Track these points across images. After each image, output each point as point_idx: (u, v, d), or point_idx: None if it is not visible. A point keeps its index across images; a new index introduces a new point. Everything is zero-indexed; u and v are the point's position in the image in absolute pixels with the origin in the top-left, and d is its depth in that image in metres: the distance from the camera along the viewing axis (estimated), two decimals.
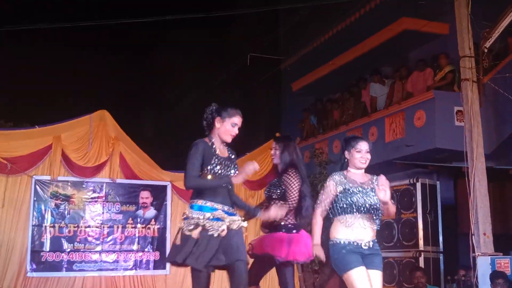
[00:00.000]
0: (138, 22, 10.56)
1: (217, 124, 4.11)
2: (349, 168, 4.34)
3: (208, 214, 3.97)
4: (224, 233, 3.96)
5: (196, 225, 3.95)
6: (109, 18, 10.72)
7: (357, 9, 11.32)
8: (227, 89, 16.09)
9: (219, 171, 4.03)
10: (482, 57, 7.69)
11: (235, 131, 4.13)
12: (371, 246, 4.14)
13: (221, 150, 4.14)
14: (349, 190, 4.19)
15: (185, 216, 4.06)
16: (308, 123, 13.49)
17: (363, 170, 4.34)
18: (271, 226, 4.77)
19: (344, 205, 4.18)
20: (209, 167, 4.02)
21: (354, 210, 4.15)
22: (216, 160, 4.04)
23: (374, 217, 4.19)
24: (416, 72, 10.24)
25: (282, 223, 4.71)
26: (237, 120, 4.13)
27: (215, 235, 3.94)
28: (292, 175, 4.73)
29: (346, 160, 4.34)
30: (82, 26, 10.67)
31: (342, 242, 4.15)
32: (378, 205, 4.16)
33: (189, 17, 10.66)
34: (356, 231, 4.15)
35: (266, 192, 4.96)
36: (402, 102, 10.03)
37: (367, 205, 4.14)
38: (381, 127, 10.39)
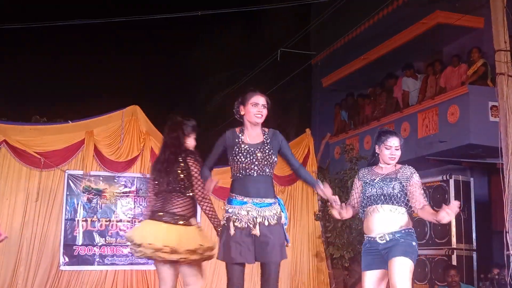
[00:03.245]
0: (172, 19, 10.63)
1: (242, 112, 4.07)
2: (379, 163, 4.30)
3: (237, 208, 3.93)
4: (254, 231, 3.86)
5: (228, 220, 3.94)
6: (143, 14, 10.80)
7: (390, 2, 11.18)
8: (258, 85, 16.07)
9: (241, 159, 3.93)
10: None
11: (259, 110, 4.00)
12: (388, 239, 4.02)
13: (252, 137, 4.01)
14: (368, 183, 4.20)
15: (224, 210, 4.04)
16: (339, 118, 13.39)
17: (394, 163, 4.27)
18: None
19: (364, 199, 4.19)
20: (231, 157, 4.00)
21: (371, 202, 4.12)
22: (237, 149, 3.97)
23: (395, 207, 4.06)
24: (450, 67, 10.06)
25: None
26: (256, 99, 4.03)
27: (244, 231, 3.88)
28: None
29: (377, 154, 4.31)
30: (117, 21, 10.78)
31: (364, 239, 4.21)
32: (396, 194, 4.06)
33: (220, 12, 10.69)
34: (373, 224, 4.10)
35: None
36: (436, 97, 9.87)
37: (382, 195, 4.09)
38: (413, 123, 10.25)
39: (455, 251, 8.22)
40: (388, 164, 4.25)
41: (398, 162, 4.30)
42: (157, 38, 18.91)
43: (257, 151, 3.95)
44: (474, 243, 8.47)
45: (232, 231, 3.88)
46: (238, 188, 3.98)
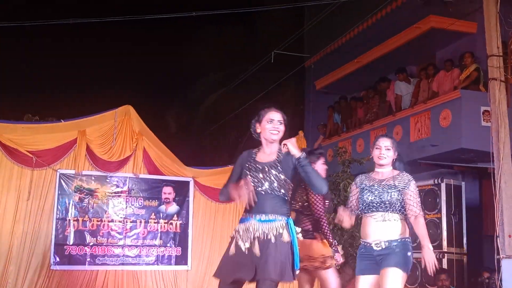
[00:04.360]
0: (166, 18, 10.61)
1: (258, 129, 3.95)
2: (375, 168, 4.31)
3: (241, 226, 3.82)
4: (254, 248, 3.69)
5: (232, 238, 3.85)
6: (136, 14, 10.77)
7: (384, 6, 11.22)
8: (251, 86, 16.10)
9: (251, 178, 3.83)
10: (510, 56, 7.56)
11: (275, 126, 3.88)
12: (384, 246, 4.01)
13: (266, 155, 3.90)
14: (364, 189, 4.20)
15: None
16: (331, 121, 13.42)
17: (390, 168, 4.25)
18: None
19: (361, 205, 4.19)
20: (243, 175, 3.89)
21: (367, 208, 4.13)
22: (248, 166, 3.89)
23: (392, 214, 4.06)
24: (443, 71, 10.11)
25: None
26: (272, 115, 3.91)
27: (243, 248, 3.74)
28: None
29: (371, 157, 4.34)
30: (111, 21, 10.76)
31: (360, 244, 4.21)
32: (393, 201, 4.05)
33: (215, 13, 10.68)
34: (370, 229, 4.10)
35: None
36: (428, 101, 9.92)
37: (380, 202, 4.07)
38: (406, 126, 10.29)
39: (446, 254, 8.27)
40: (380, 165, 4.24)
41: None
42: (151, 38, 18.88)
43: (266, 169, 3.84)
44: (465, 247, 8.52)
45: (232, 251, 3.78)
46: (246, 205, 3.85)
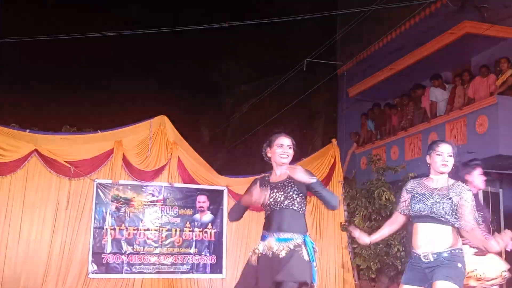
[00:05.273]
0: (200, 29, 10.74)
1: (269, 154, 4.21)
2: (430, 174, 4.13)
3: (261, 243, 4.06)
4: (273, 261, 3.92)
5: (252, 253, 4.10)
6: (171, 25, 10.94)
7: (417, 12, 11.14)
8: (284, 95, 16.13)
9: (268, 197, 4.05)
10: None
11: (285, 150, 4.14)
12: (432, 259, 3.88)
13: (278, 176, 4.17)
14: (416, 197, 4.04)
15: None
16: (365, 128, 13.34)
17: (446, 176, 4.07)
18: None
19: (412, 213, 4.04)
20: None
21: (417, 217, 3.99)
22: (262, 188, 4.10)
23: (443, 226, 3.90)
24: (479, 77, 9.98)
25: None
26: (282, 140, 4.16)
27: (253, 262, 4.03)
28: None
29: (428, 165, 4.13)
30: (146, 33, 10.95)
31: (412, 254, 4.06)
32: (445, 213, 3.88)
33: (246, 23, 10.76)
34: (419, 240, 3.97)
35: None
36: (464, 108, 9.79)
37: (427, 211, 3.92)
38: (441, 133, 10.17)
39: None
40: (441, 172, 4.05)
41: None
42: (186, 48, 19.09)
43: (281, 186, 4.07)
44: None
45: (252, 264, 4.03)
46: (265, 224, 4.13)
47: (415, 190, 4.08)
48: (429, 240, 3.92)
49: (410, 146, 11.04)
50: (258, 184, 4.08)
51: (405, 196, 4.17)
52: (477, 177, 4.85)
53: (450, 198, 3.92)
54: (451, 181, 4.04)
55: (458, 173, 4.58)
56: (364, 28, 12.85)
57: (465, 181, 4.66)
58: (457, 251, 3.91)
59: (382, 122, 12.70)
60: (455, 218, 3.91)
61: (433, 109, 10.92)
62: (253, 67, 18.42)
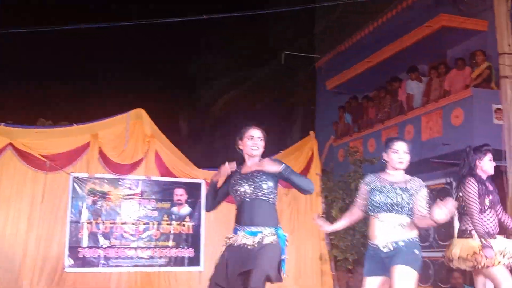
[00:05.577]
0: (176, 22, 10.66)
1: (241, 146, 4.29)
2: (386, 170, 4.31)
3: (234, 236, 4.15)
4: (243, 252, 4.00)
5: (225, 244, 4.22)
6: (147, 18, 10.84)
7: (394, 6, 11.19)
8: (262, 88, 16.13)
9: (235, 187, 4.16)
10: None
11: (255, 142, 4.21)
12: (391, 248, 4.03)
13: (248, 167, 4.23)
14: (374, 189, 4.21)
15: None
16: (343, 121, 13.41)
17: (402, 172, 4.26)
18: None
19: (369, 205, 4.20)
20: (230, 188, 4.26)
21: (376, 209, 4.14)
22: (234, 180, 4.21)
23: (400, 216, 4.06)
24: (455, 70, 10.07)
25: None
26: (252, 132, 4.24)
27: (225, 254, 4.13)
28: None
29: (384, 161, 4.32)
30: (122, 25, 10.83)
31: (368, 245, 4.22)
32: (404, 204, 4.06)
33: (224, 16, 10.71)
34: (377, 231, 4.11)
35: None
36: (440, 100, 9.88)
37: (388, 203, 4.09)
38: (417, 126, 10.26)
39: None
40: (397, 169, 4.23)
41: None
42: (162, 41, 18.98)
43: (252, 177, 4.13)
44: None
45: (224, 255, 4.12)
46: (236, 216, 4.20)
47: (373, 183, 4.26)
48: (387, 230, 4.07)
49: (387, 140, 11.10)
50: (226, 164, 4.18)
51: (363, 188, 4.34)
52: (487, 163, 4.98)
53: (408, 191, 4.10)
54: (407, 176, 4.24)
55: (468, 158, 4.95)
56: (342, 22, 12.88)
57: (475, 166, 4.95)
58: (414, 239, 4.08)
59: (359, 115, 12.78)
60: (411, 210, 4.08)
61: (409, 101, 11.00)
62: (231, 60, 18.36)
